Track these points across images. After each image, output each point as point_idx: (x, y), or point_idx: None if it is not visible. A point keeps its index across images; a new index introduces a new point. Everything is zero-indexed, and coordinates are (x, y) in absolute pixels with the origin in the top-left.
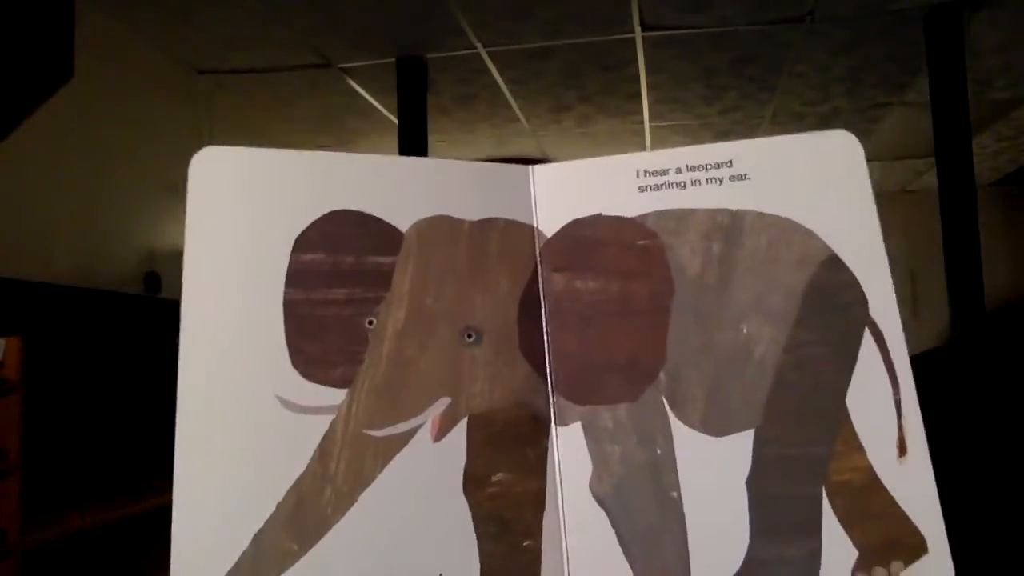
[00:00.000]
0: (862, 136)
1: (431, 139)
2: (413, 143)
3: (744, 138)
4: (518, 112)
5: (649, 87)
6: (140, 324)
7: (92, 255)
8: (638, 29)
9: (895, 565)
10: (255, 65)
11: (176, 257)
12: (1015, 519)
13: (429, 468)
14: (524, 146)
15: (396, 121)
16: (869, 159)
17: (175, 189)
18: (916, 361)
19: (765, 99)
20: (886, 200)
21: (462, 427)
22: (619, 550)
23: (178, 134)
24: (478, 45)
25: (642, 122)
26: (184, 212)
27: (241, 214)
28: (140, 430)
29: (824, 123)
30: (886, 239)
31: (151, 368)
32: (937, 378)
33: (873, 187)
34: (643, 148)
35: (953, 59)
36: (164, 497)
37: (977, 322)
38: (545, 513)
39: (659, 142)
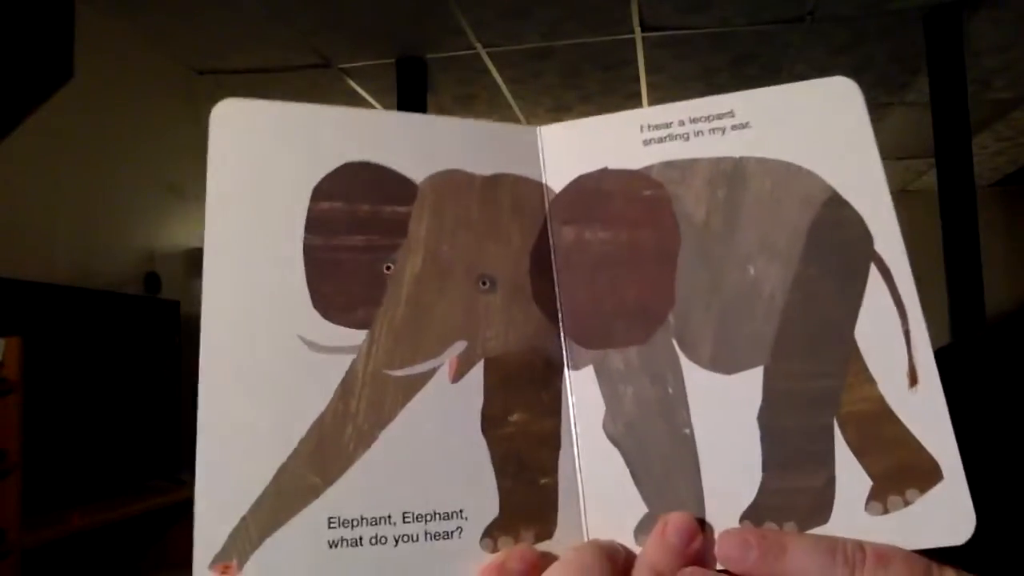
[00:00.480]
0: None
1: None
2: None
3: None
4: (518, 112)
5: (649, 87)
6: (140, 324)
7: (92, 255)
8: (638, 29)
9: (910, 492)
10: (255, 65)
11: (176, 257)
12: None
13: (448, 408)
14: None
15: None
16: None
17: (175, 189)
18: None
19: None
20: None
21: (479, 369)
22: (633, 487)
23: (178, 134)
24: (478, 45)
25: None
26: (185, 212)
27: (260, 164)
28: (140, 430)
29: None
30: None
31: (151, 368)
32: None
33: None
34: None
35: (953, 59)
36: (164, 497)
37: (977, 323)
38: (560, 452)
39: None
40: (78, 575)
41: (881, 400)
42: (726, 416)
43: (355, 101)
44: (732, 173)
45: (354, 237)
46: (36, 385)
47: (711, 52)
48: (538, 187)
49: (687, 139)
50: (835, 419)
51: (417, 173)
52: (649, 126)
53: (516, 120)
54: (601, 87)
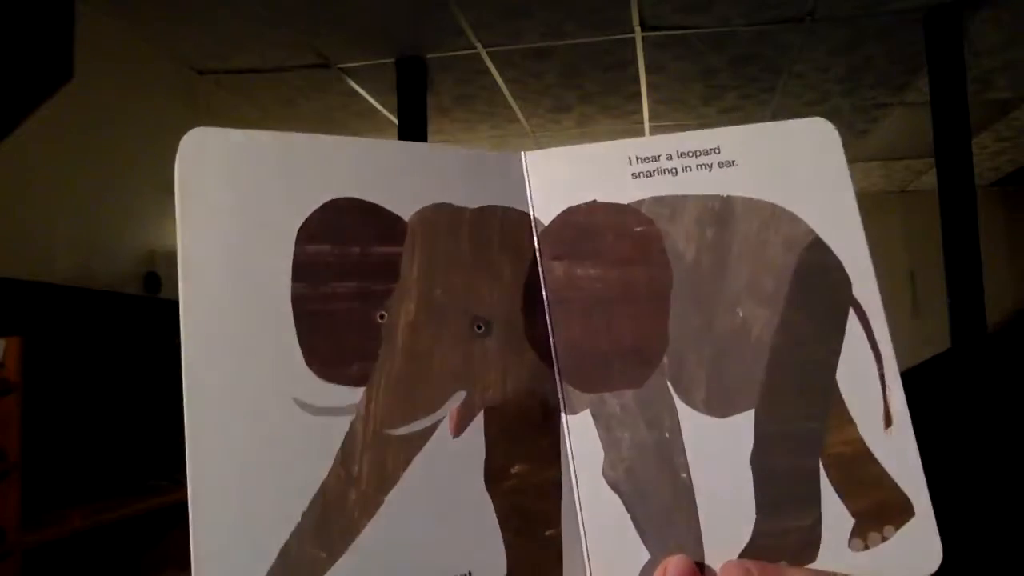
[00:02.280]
0: (862, 136)
1: (431, 139)
2: None
3: None
4: (518, 112)
5: (649, 87)
6: (140, 324)
7: (92, 255)
8: (638, 29)
9: (887, 529)
10: (255, 65)
11: (176, 257)
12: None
13: (451, 464)
14: (524, 146)
15: (396, 121)
16: (869, 159)
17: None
18: (921, 369)
19: (765, 99)
20: (886, 200)
21: (479, 420)
22: (635, 533)
23: (178, 134)
24: (478, 45)
25: (642, 122)
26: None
27: (238, 202)
28: (140, 430)
29: None
30: (886, 239)
31: (151, 368)
32: (943, 384)
33: (872, 186)
34: None
35: (953, 59)
36: (164, 497)
37: (978, 324)
38: (563, 501)
39: None
40: (78, 575)
41: (861, 442)
42: (721, 459)
43: (355, 101)
44: (720, 212)
45: (345, 283)
46: (36, 385)
47: (711, 52)
48: (526, 219)
49: (675, 174)
50: (820, 460)
51: (405, 209)
52: (637, 158)
53: (516, 120)
54: (601, 87)
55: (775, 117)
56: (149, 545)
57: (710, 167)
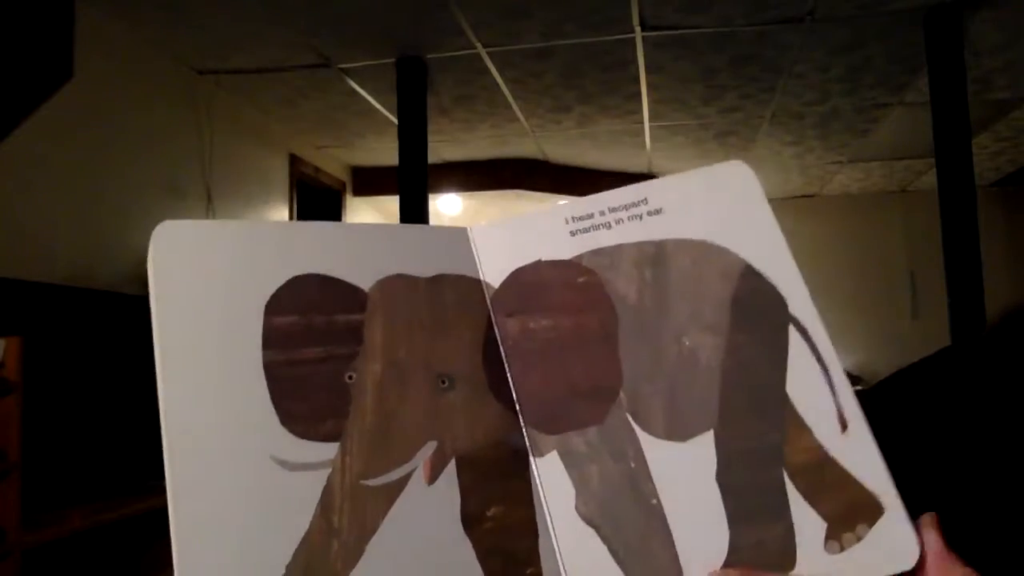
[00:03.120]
0: (862, 136)
1: (431, 139)
2: (413, 143)
3: (745, 139)
4: (518, 112)
5: (649, 87)
6: (140, 324)
7: (92, 255)
8: (638, 29)
9: (860, 528)
10: (255, 65)
11: None
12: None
13: (428, 510)
14: (524, 147)
15: (396, 121)
16: (869, 159)
17: (176, 189)
18: (923, 365)
19: (765, 99)
20: (886, 200)
21: (451, 468)
22: (614, 564)
23: (178, 134)
24: (478, 45)
25: (642, 122)
26: (185, 212)
27: (208, 285)
28: (140, 430)
29: (824, 123)
30: (886, 239)
31: (151, 368)
32: (938, 380)
33: (872, 186)
34: (643, 148)
35: (953, 59)
36: (164, 497)
37: (977, 324)
38: (540, 540)
39: (659, 142)
40: (78, 575)
41: (820, 448)
42: (688, 481)
43: (355, 101)
44: (655, 255)
45: (312, 349)
46: (36, 385)
47: (711, 52)
48: (478, 284)
49: (610, 227)
50: (784, 470)
51: (364, 280)
52: (573, 218)
53: (516, 120)
54: (601, 87)
55: (775, 117)
56: (149, 545)
57: (641, 217)
